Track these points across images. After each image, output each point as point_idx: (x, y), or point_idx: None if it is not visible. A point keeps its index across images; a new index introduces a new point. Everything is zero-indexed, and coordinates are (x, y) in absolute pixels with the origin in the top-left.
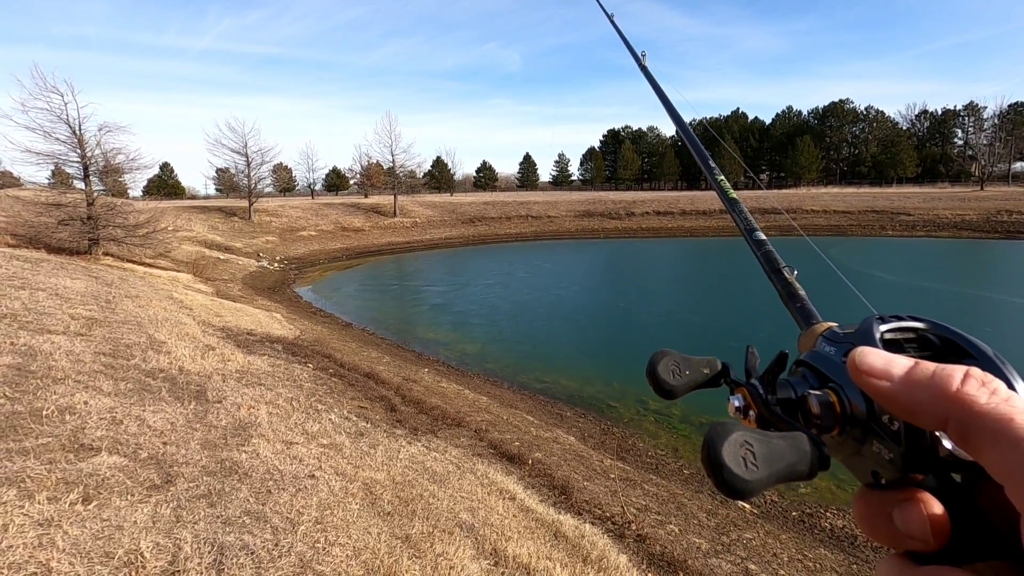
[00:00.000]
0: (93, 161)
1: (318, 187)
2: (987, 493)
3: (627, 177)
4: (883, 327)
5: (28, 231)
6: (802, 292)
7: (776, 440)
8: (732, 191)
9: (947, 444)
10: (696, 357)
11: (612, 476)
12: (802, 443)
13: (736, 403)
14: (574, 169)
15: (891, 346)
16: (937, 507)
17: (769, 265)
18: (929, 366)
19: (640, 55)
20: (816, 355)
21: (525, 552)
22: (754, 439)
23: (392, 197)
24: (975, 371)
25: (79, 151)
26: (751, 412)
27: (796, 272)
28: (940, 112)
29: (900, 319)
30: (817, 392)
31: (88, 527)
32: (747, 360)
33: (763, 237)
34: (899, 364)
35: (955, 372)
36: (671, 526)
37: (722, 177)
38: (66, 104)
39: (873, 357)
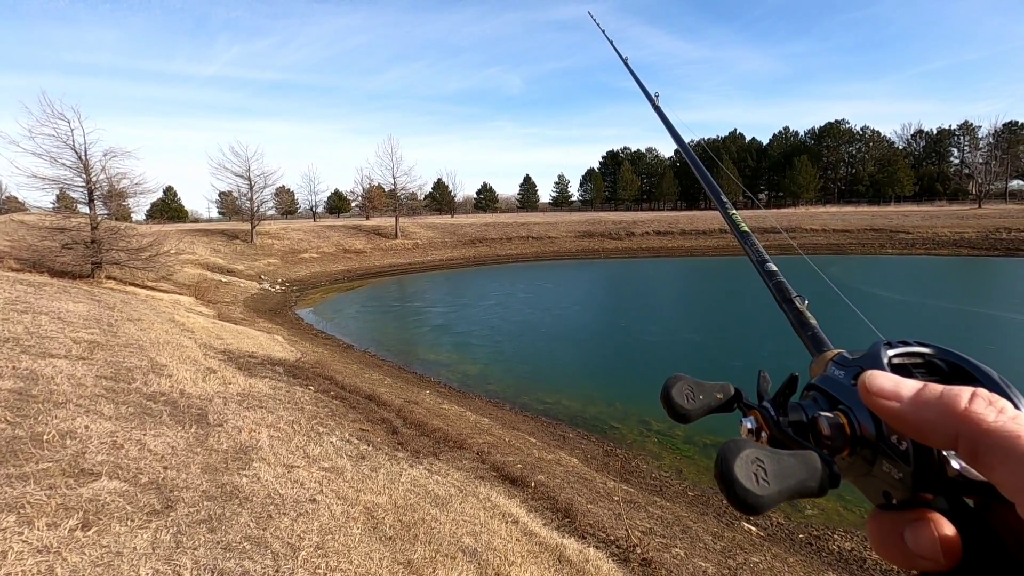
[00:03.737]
0: (98, 186)
1: (320, 209)
2: (998, 515)
3: (627, 197)
4: (891, 352)
5: (32, 255)
6: (813, 321)
7: (787, 457)
8: (744, 225)
9: (955, 464)
10: (709, 382)
11: (616, 498)
12: (813, 460)
13: (749, 425)
14: (574, 190)
15: (899, 371)
16: (948, 527)
17: (781, 295)
18: (937, 387)
19: (654, 96)
20: (826, 379)
21: None
22: (765, 456)
23: (393, 219)
24: (982, 391)
25: (84, 176)
26: (763, 433)
27: (807, 302)
28: (935, 131)
29: (907, 344)
30: (827, 414)
31: (87, 554)
32: (759, 384)
33: (775, 268)
34: (908, 385)
35: (962, 392)
36: (676, 549)
37: (735, 212)
38: (72, 130)
39: (883, 379)
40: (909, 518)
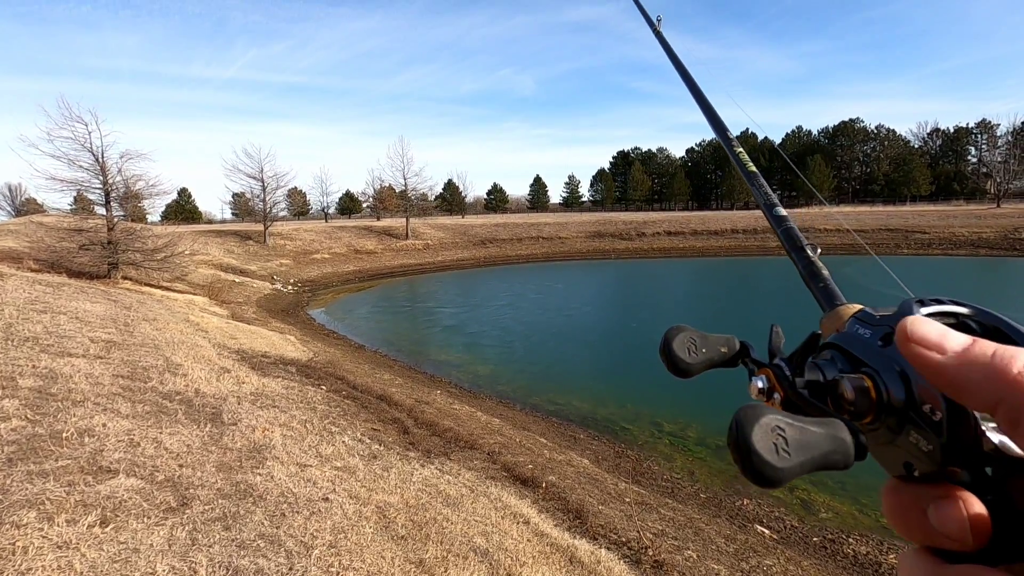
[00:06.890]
0: (114, 187)
1: (331, 210)
2: (1021, 489)
3: (637, 197)
4: (923, 310)
5: (50, 256)
6: (825, 272)
7: (810, 426)
8: (751, 165)
9: (993, 438)
10: (713, 335)
11: (627, 500)
12: (838, 430)
13: (759, 384)
14: (584, 190)
15: None
16: (978, 506)
17: (790, 243)
18: (990, 345)
19: (655, 20)
20: (848, 337)
21: None
22: (786, 424)
23: (404, 220)
24: None
25: (101, 178)
26: (776, 395)
27: (819, 251)
28: (952, 130)
29: (941, 302)
30: (851, 376)
31: (105, 550)
32: (771, 340)
33: (784, 213)
34: (955, 338)
35: (1018, 355)
36: (689, 552)
37: (740, 150)
38: (90, 133)
39: (928, 327)
40: (934, 494)
